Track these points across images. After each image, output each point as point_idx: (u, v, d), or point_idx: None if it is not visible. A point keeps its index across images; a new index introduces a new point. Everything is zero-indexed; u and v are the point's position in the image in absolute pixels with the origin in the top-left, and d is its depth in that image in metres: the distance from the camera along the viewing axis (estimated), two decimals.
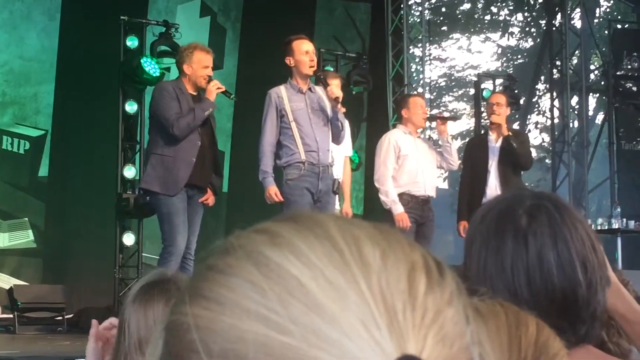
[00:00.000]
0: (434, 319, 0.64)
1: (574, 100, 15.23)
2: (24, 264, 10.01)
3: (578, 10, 16.15)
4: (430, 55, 22.08)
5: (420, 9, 15.38)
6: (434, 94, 24.57)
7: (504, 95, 9.17)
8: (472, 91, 17.48)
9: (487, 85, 12.82)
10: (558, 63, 14.99)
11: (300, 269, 0.63)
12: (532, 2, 22.64)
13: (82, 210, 10.08)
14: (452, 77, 26.47)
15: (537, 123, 22.25)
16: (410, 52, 13.24)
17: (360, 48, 12.47)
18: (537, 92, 21.94)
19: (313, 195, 6.91)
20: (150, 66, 9.60)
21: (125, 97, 9.90)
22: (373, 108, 12.41)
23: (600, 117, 20.78)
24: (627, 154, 13.97)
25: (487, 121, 9.48)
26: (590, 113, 20.36)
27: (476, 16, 25.22)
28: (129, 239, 9.74)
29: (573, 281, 1.44)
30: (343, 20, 12.52)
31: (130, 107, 9.89)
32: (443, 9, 25.05)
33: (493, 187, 8.42)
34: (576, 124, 15.63)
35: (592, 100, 20.36)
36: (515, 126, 17.46)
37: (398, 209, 8.04)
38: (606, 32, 16.72)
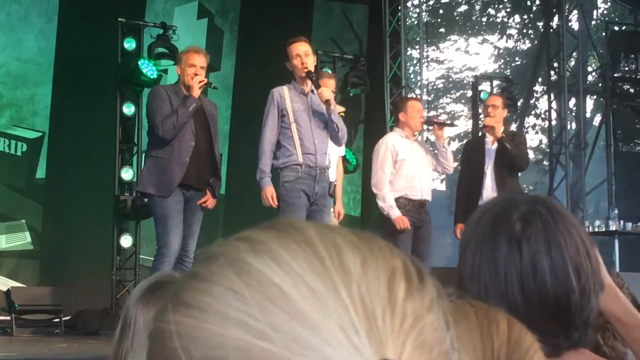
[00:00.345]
0: (413, 325, 0.64)
1: (572, 102, 15.25)
2: (21, 266, 10.00)
3: (575, 12, 16.15)
4: (427, 57, 22.08)
5: (417, 10, 15.40)
6: (432, 95, 24.58)
7: (500, 97, 9.17)
8: (469, 93, 17.50)
9: (485, 87, 12.83)
10: (555, 65, 14.99)
11: (281, 276, 0.64)
12: (529, 4, 22.66)
13: (80, 212, 10.07)
14: (450, 79, 26.50)
15: (534, 125, 22.26)
16: (408, 53, 13.25)
17: (357, 50, 12.47)
18: (535, 94, 21.96)
19: (309, 197, 6.91)
20: (147, 68, 9.61)
21: (122, 99, 9.91)
22: (370, 110, 12.42)
23: (597, 119, 20.81)
24: (625, 155, 13.99)
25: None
26: (588, 115, 20.37)
27: (474, 18, 25.25)
28: (126, 241, 9.74)
29: (566, 287, 1.45)
30: (340, 22, 12.52)
31: (128, 109, 9.90)
32: (440, 11, 25.08)
33: (489, 189, 8.42)
34: (573, 125, 15.65)
35: (590, 102, 20.39)
36: (513, 128, 17.47)
37: (395, 213, 8.06)
38: (603, 33, 16.73)
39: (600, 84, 15.41)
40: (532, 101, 22.03)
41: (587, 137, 15.41)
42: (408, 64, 13.39)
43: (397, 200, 8.17)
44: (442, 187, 23.54)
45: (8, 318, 8.77)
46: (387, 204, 8.12)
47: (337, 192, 8.20)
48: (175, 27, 10.20)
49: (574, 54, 15.23)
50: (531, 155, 15.54)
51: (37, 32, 10.17)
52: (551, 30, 15.64)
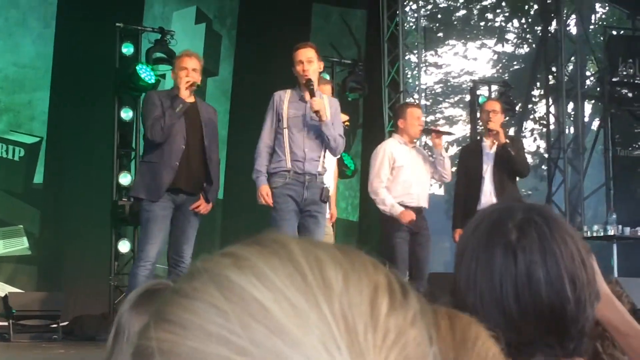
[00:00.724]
0: (396, 340, 0.64)
1: (570, 107, 15.24)
2: (19, 271, 9.99)
3: (573, 16, 16.17)
4: (426, 61, 22.10)
5: (416, 15, 15.41)
6: (430, 100, 24.60)
7: (498, 102, 9.17)
8: (467, 97, 17.51)
9: (483, 91, 12.84)
10: (554, 69, 15.01)
11: (262, 292, 0.64)
12: (527, 9, 22.67)
13: (78, 217, 10.07)
14: (448, 84, 26.52)
15: (533, 130, 22.27)
16: (406, 58, 13.25)
17: (356, 55, 12.48)
18: (533, 99, 21.97)
19: (298, 203, 6.90)
20: (145, 73, 9.61)
21: (120, 104, 9.91)
22: (369, 114, 12.42)
23: (596, 124, 20.84)
24: (623, 160, 13.99)
25: (482, 128, 9.48)
26: (586, 119, 20.39)
27: (472, 22, 25.27)
28: (124, 246, 9.74)
29: (562, 297, 1.44)
30: (339, 26, 12.53)
31: (126, 114, 9.90)
32: (439, 16, 25.09)
33: (488, 194, 8.42)
34: (572, 130, 15.65)
35: (588, 107, 20.38)
36: (511, 133, 17.48)
37: (398, 209, 8.07)
38: (602, 38, 16.74)
39: (598, 89, 15.40)
40: (530, 106, 22.04)
41: (585, 142, 15.41)
42: (406, 69, 13.39)
43: (385, 213, 8.20)
44: (441, 191, 23.56)
45: (6, 324, 8.76)
46: (388, 204, 8.13)
47: (331, 195, 8.20)
48: (174, 32, 10.21)
49: (572, 58, 15.24)
50: (529, 160, 15.56)
51: (34, 37, 10.17)
52: (549, 35, 15.65)
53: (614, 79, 14.08)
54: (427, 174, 8.43)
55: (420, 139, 8.65)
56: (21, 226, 9.99)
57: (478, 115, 11.40)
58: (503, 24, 24.68)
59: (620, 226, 11.07)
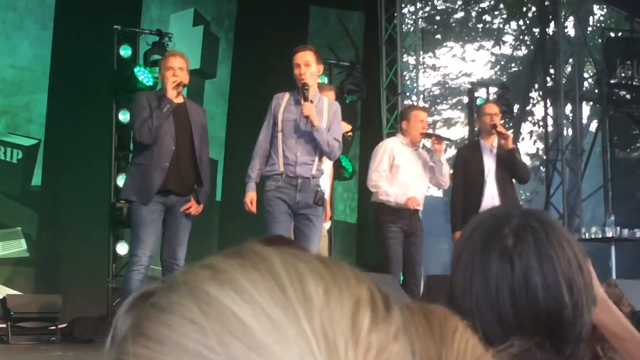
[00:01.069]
0: (378, 356, 0.63)
1: (568, 109, 15.26)
2: (17, 274, 9.98)
3: (572, 18, 16.18)
4: (424, 63, 22.12)
5: (413, 17, 15.41)
6: (428, 102, 24.59)
7: (496, 105, 9.20)
8: (465, 99, 17.51)
9: (481, 93, 12.83)
10: (552, 71, 15.02)
11: (241, 306, 0.62)
12: (525, 11, 22.68)
13: (76, 219, 10.06)
14: (446, 86, 26.51)
15: (531, 132, 22.26)
16: (404, 60, 13.25)
17: (353, 57, 12.47)
18: (531, 101, 21.96)
19: (291, 206, 6.88)
20: (143, 75, 9.60)
21: (118, 107, 9.89)
22: (367, 117, 12.41)
23: (594, 125, 20.84)
24: (621, 162, 14.00)
25: (478, 128, 9.49)
26: (584, 121, 20.40)
27: (470, 24, 25.27)
28: (122, 248, 9.72)
29: (559, 303, 1.44)
30: (336, 29, 12.53)
31: (124, 117, 9.88)
32: (437, 18, 25.10)
33: (490, 197, 8.40)
34: (570, 132, 15.65)
35: (586, 109, 20.41)
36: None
37: (403, 198, 8.08)
38: (599, 40, 16.75)
39: (596, 91, 15.41)
40: (528, 108, 22.03)
41: (583, 144, 15.42)
42: (404, 71, 13.39)
43: (386, 207, 8.20)
44: (439, 193, 23.52)
45: (4, 326, 8.73)
46: (392, 194, 8.15)
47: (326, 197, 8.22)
48: (172, 34, 10.19)
49: (570, 60, 15.26)
50: (527, 161, 15.56)
51: (32, 40, 10.16)
52: (547, 37, 15.65)
53: (612, 81, 14.09)
54: (426, 178, 8.44)
55: (420, 142, 8.61)
56: (19, 228, 9.98)
57: (475, 117, 11.41)
58: (501, 26, 24.68)
59: (618, 228, 11.07)
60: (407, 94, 13.29)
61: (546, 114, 15.64)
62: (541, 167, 20.30)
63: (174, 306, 0.64)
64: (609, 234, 10.95)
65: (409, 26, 14.88)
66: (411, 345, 0.66)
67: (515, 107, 16.65)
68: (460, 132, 25.21)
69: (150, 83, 9.62)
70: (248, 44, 11.55)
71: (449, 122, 26.07)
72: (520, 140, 19.45)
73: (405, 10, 14.64)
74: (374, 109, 12.30)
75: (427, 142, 9.37)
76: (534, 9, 21.05)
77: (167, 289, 0.67)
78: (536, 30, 20.52)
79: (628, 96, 14.56)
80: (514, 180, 8.72)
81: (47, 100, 10.15)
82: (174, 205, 7.02)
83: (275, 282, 0.64)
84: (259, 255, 0.66)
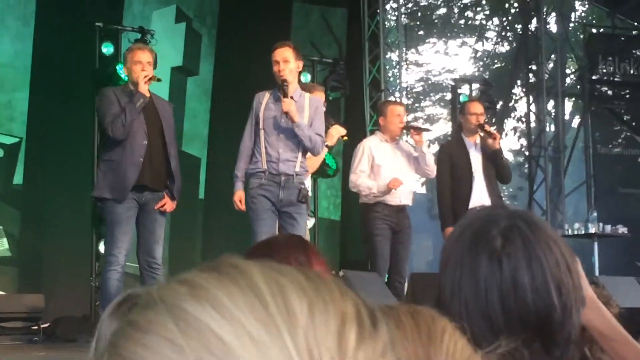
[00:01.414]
0: None
1: (550, 105, 15.29)
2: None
3: (554, 14, 16.22)
4: (406, 60, 22.11)
5: (396, 13, 15.40)
6: (411, 99, 24.61)
7: (480, 103, 9.19)
8: (448, 96, 17.52)
9: (464, 90, 12.84)
10: (534, 67, 15.05)
11: (220, 324, 0.60)
12: (507, 7, 22.73)
13: (58, 218, 10.01)
14: (429, 82, 26.54)
15: (514, 128, 22.32)
16: (387, 57, 13.25)
17: (336, 53, 12.46)
18: (514, 97, 22.02)
19: (274, 203, 6.87)
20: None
21: None
22: (350, 114, 12.39)
23: (576, 121, 20.88)
24: (603, 157, 14.05)
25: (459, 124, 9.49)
26: (567, 117, 20.45)
27: (452, 21, 25.29)
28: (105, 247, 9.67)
29: (548, 304, 1.43)
30: (319, 25, 12.51)
31: None
32: (419, 14, 25.11)
33: (479, 193, 8.38)
34: (552, 128, 15.69)
35: (568, 105, 20.46)
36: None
37: (383, 185, 8.06)
38: (581, 36, 16.80)
39: (578, 86, 15.46)
40: (511, 104, 22.09)
41: (565, 140, 15.46)
42: (387, 67, 13.39)
43: (375, 205, 8.18)
44: (423, 190, 23.57)
45: None
46: (372, 186, 8.13)
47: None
48: (154, 31, 10.14)
49: (553, 56, 15.29)
50: (510, 157, 15.59)
51: (13, 36, 10.10)
52: (529, 33, 15.68)
53: (593, 77, 14.14)
54: (411, 171, 8.41)
55: (401, 136, 8.59)
56: (1, 227, 9.93)
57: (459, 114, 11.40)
58: (483, 22, 24.72)
59: (601, 224, 11.08)
60: (390, 90, 13.28)
61: (529, 110, 15.68)
62: (525, 164, 20.37)
63: (150, 325, 0.62)
64: (592, 230, 10.96)
65: (391, 22, 14.88)
66: None
67: (498, 104, 16.69)
68: (443, 128, 25.26)
69: None
70: (231, 40, 11.52)
71: (431, 119, 26.09)
72: (503, 136, 19.48)
73: (387, 7, 14.63)
74: (357, 105, 12.29)
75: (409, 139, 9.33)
76: (516, 5, 21.10)
77: (144, 306, 0.64)
78: (518, 26, 20.57)
79: (610, 92, 14.62)
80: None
81: (29, 97, 10.09)
82: (148, 202, 6.93)
83: (256, 297, 0.61)
84: (237, 269, 0.64)
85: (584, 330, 1.75)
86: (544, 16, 15.20)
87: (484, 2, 23.99)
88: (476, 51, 25.42)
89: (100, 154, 7.20)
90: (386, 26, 13.27)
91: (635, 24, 15.07)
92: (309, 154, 7.07)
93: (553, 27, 17.10)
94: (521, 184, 20.84)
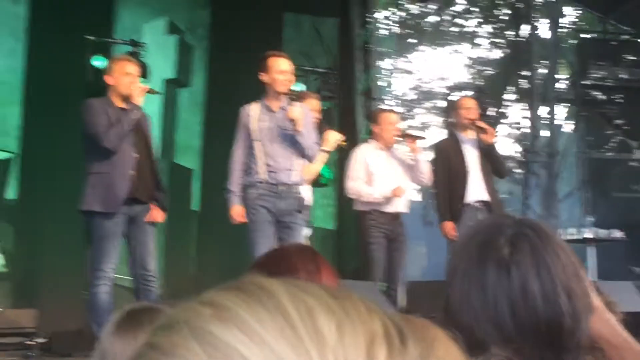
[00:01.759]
0: None
1: (543, 110, 15.31)
2: None
3: (545, 20, 16.25)
4: (398, 68, 22.14)
5: (387, 22, 15.42)
6: (404, 107, 24.61)
7: (472, 99, 9.19)
8: (441, 103, 17.53)
9: (457, 97, 12.86)
10: (526, 73, 15.07)
11: (249, 347, 0.58)
12: (498, 14, 22.75)
13: (52, 232, 9.96)
14: (421, 90, 26.54)
15: (509, 134, 22.31)
16: (379, 65, 13.25)
17: (328, 63, 12.46)
18: (506, 103, 22.03)
19: (274, 214, 6.85)
20: None
21: None
22: (343, 123, 12.38)
23: (568, 127, 20.89)
24: (596, 162, 14.06)
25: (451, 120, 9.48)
26: (559, 122, 20.46)
27: (443, 29, 25.31)
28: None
29: (558, 311, 1.41)
30: (311, 35, 12.51)
31: None
32: (410, 22, 25.12)
33: (475, 187, 8.36)
34: (545, 133, 15.71)
35: (561, 110, 20.46)
36: None
37: (387, 191, 8.04)
38: (573, 42, 16.82)
39: (570, 92, 15.48)
40: (503, 110, 22.10)
41: (558, 145, 15.47)
42: (379, 76, 13.40)
43: (369, 213, 8.16)
44: (418, 197, 23.54)
45: None
46: (375, 193, 8.11)
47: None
48: (145, 44, 10.13)
49: (544, 62, 15.31)
50: None
51: (5, 52, 10.08)
52: (521, 40, 15.70)
53: (585, 82, 14.16)
54: (405, 179, 8.39)
55: (394, 145, 8.55)
56: None
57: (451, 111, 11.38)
58: (475, 29, 24.74)
59: (595, 229, 11.08)
60: (383, 98, 13.28)
61: (522, 116, 15.70)
62: (517, 169, 20.37)
63: (176, 349, 0.60)
64: (587, 235, 10.95)
65: (383, 31, 14.89)
66: None
67: (491, 110, 16.70)
68: (436, 136, 25.25)
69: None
70: (223, 52, 11.51)
71: (425, 126, 26.09)
72: (496, 142, 19.46)
73: (378, 16, 14.64)
74: (350, 114, 12.28)
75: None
76: (507, 11, 21.13)
77: (166, 328, 0.62)
78: (510, 33, 20.60)
79: (602, 97, 14.64)
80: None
81: (22, 112, 10.07)
82: (137, 215, 6.85)
83: (284, 319, 0.60)
84: (262, 289, 0.62)
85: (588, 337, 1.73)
86: (535, 22, 15.22)
87: (475, 9, 24.01)
88: (468, 58, 25.43)
89: (86, 167, 7.00)
90: (377, 35, 13.27)
91: (627, 28, 15.10)
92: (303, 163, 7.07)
93: (544, 33, 17.11)
94: (512, 189, 20.85)
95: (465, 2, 23.53)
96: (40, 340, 8.87)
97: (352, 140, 11.56)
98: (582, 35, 15.49)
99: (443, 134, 17.19)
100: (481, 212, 8.22)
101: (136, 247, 6.89)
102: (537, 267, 1.42)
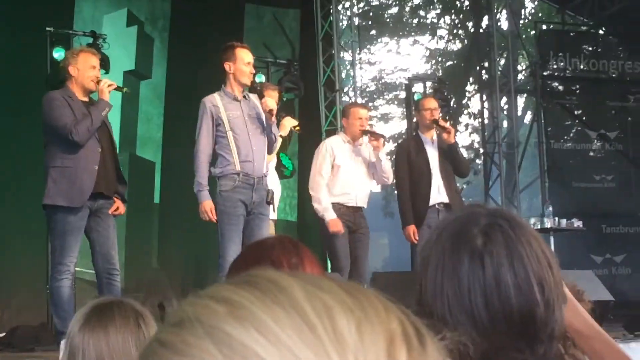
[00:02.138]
0: None
1: (503, 101, 15.39)
2: None
3: (504, 12, 16.33)
4: (360, 59, 22.17)
5: (348, 13, 15.42)
6: (365, 98, 24.67)
7: (435, 99, 9.25)
8: (402, 94, 17.57)
9: (418, 88, 12.89)
10: (486, 64, 15.14)
11: (266, 349, 0.56)
12: (459, 5, 22.85)
13: (11, 226, 9.85)
14: (383, 81, 26.61)
15: (467, 125, 22.45)
16: (340, 56, 13.25)
17: (290, 54, 12.44)
18: (467, 94, 22.15)
19: (247, 206, 6.82)
20: None
21: None
22: (305, 114, 12.37)
23: (529, 117, 21.07)
24: (556, 152, 14.16)
25: (416, 122, 9.51)
26: (519, 113, 20.61)
27: (404, 20, 25.38)
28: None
29: (531, 301, 1.41)
30: (272, 27, 12.47)
31: None
32: (371, 13, 25.16)
33: (436, 189, 8.43)
34: (506, 124, 15.80)
35: (521, 101, 20.63)
36: None
37: (330, 215, 8.07)
38: (532, 32, 16.93)
39: (530, 83, 15.58)
40: (464, 101, 22.22)
41: (519, 135, 15.57)
42: (341, 67, 13.39)
43: (332, 205, 8.18)
44: (377, 188, 23.62)
45: None
46: (322, 206, 8.13)
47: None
48: (105, 35, 10.04)
49: (504, 53, 15.38)
50: (465, 154, 15.66)
51: None
52: (481, 31, 15.77)
53: (545, 73, 14.25)
54: (368, 176, 8.42)
55: (361, 140, 8.56)
56: None
57: (414, 112, 11.44)
58: (435, 20, 24.83)
59: (556, 218, 11.17)
60: (345, 90, 13.28)
61: (482, 106, 15.78)
62: (477, 160, 20.51)
63: (190, 348, 0.58)
64: (548, 225, 11.02)
65: (344, 22, 14.88)
66: None
67: (452, 101, 16.76)
68: (397, 127, 25.34)
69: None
70: (183, 43, 11.44)
71: (385, 118, 26.17)
72: (458, 133, 19.57)
73: (340, 7, 14.63)
74: (312, 106, 12.27)
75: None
76: (467, 3, 21.22)
77: (177, 325, 0.60)
78: (470, 24, 20.71)
79: (561, 87, 14.74)
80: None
81: None
82: (100, 209, 6.79)
83: (302, 319, 0.58)
84: (277, 286, 0.60)
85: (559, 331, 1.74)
86: (495, 13, 15.30)
87: (435, 0, 24.09)
88: (428, 49, 25.52)
89: (47, 161, 6.90)
90: (339, 26, 13.26)
91: (585, 19, 15.22)
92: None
93: (504, 24, 17.21)
94: (473, 179, 20.98)
95: None
96: (0, 334, 8.79)
97: (314, 132, 11.58)
98: (541, 27, 15.57)
99: (403, 125, 17.27)
100: (442, 214, 8.30)
101: (100, 241, 6.82)
102: (511, 257, 1.42)
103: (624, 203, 13.70)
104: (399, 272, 9.40)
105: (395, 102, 25.79)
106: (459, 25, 23.62)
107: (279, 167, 10.08)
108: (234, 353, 0.56)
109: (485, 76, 15.46)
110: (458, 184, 8.95)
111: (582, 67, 14.24)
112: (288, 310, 0.58)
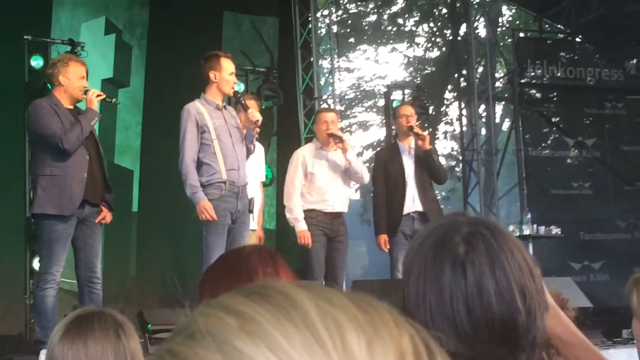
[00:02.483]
0: None
1: (482, 109, 15.45)
2: None
3: (482, 19, 16.40)
4: (339, 67, 22.17)
5: (327, 21, 15.44)
6: (344, 105, 24.70)
7: (412, 106, 9.28)
8: (380, 102, 17.59)
9: (397, 95, 12.93)
10: (464, 72, 15.20)
11: None
12: (437, 13, 22.92)
13: None
14: (361, 89, 26.65)
15: (446, 132, 22.52)
16: (319, 64, 13.26)
17: (269, 62, 12.43)
18: (445, 102, 22.21)
19: (232, 215, 6.82)
20: None
21: None
22: (284, 122, 12.38)
23: (507, 125, 21.14)
24: (534, 160, 14.23)
25: (395, 130, 9.52)
26: (498, 121, 20.69)
27: (383, 27, 25.44)
28: (38, 263, 9.50)
29: (512, 309, 1.42)
30: (251, 34, 12.46)
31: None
32: (349, 21, 25.20)
33: (411, 198, 8.45)
34: (484, 131, 15.86)
35: (499, 108, 20.68)
36: None
37: (300, 226, 8.07)
38: (510, 40, 17.00)
39: (508, 90, 15.65)
40: (442, 108, 22.28)
41: (497, 143, 15.63)
42: (320, 75, 13.40)
43: (310, 212, 8.18)
44: (356, 196, 23.64)
45: None
46: (293, 215, 8.15)
47: (259, 218, 8.25)
48: (84, 43, 10.00)
49: (482, 61, 15.45)
50: (443, 162, 15.71)
51: None
52: (459, 38, 15.82)
53: (522, 80, 14.33)
54: (345, 180, 8.41)
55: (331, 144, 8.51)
56: None
57: (392, 120, 11.46)
58: (413, 28, 24.90)
59: (535, 225, 11.21)
60: (324, 97, 13.29)
61: (461, 114, 15.83)
62: (456, 167, 20.56)
63: None
64: (526, 232, 11.06)
65: (322, 30, 14.91)
66: None
67: (431, 109, 16.80)
68: (376, 134, 25.38)
69: None
70: (161, 51, 11.40)
71: (364, 125, 26.21)
72: (436, 141, 19.64)
73: (318, 14, 14.65)
74: (290, 114, 12.27)
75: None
76: (445, 11, 21.29)
77: (189, 337, 0.59)
78: (448, 32, 20.78)
79: (539, 95, 14.83)
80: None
81: None
82: (87, 217, 6.79)
83: (312, 336, 0.57)
84: (288, 300, 0.60)
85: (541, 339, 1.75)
86: (473, 21, 15.36)
87: (413, 8, 24.16)
88: (407, 57, 25.59)
89: (36, 169, 6.87)
90: (317, 34, 13.27)
91: (562, 27, 15.32)
92: None
93: (482, 32, 17.29)
94: (454, 186, 21.04)
95: (404, 1, 23.65)
96: None
97: (293, 140, 11.57)
98: (518, 34, 15.66)
99: (382, 133, 17.29)
100: (417, 222, 8.32)
101: (84, 249, 6.81)
102: (492, 265, 1.43)
103: (602, 210, 13.78)
104: (379, 279, 9.39)
105: (374, 110, 25.84)
106: (437, 33, 23.71)
107: None
108: None
109: (463, 84, 15.51)
110: (444, 192, 8.98)
111: (559, 74, 14.32)
112: (299, 326, 0.58)
